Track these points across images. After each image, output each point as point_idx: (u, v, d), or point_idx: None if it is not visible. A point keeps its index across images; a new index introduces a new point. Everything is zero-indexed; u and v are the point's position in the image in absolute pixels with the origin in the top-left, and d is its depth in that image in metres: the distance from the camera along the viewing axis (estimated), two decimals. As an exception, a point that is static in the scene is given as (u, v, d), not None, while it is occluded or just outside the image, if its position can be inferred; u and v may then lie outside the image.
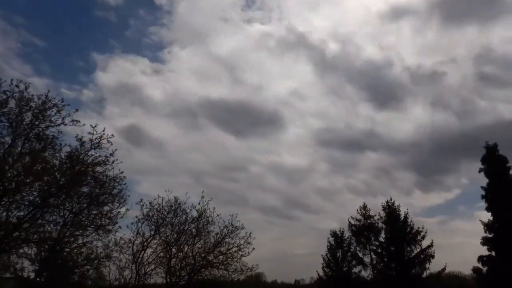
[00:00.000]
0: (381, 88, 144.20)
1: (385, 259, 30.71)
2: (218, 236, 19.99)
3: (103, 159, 14.80)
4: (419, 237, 30.21)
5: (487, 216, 26.35)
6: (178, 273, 19.71)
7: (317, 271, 33.27)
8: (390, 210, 31.77)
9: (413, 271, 29.54)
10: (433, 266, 29.76)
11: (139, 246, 19.16)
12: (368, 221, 33.17)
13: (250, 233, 19.68)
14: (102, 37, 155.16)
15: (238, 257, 19.67)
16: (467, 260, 75.32)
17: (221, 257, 19.91)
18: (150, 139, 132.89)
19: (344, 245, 33.03)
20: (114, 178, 15.48)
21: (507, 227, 24.87)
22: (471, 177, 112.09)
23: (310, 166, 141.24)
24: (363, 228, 32.90)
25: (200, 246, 20.14)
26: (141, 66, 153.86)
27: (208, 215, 20.05)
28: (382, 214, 32.34)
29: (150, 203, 19.36)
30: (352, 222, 33.52)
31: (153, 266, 19.41)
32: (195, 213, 20.04)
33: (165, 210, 19.63)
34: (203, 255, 19.95)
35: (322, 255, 33.15)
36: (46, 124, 13.92)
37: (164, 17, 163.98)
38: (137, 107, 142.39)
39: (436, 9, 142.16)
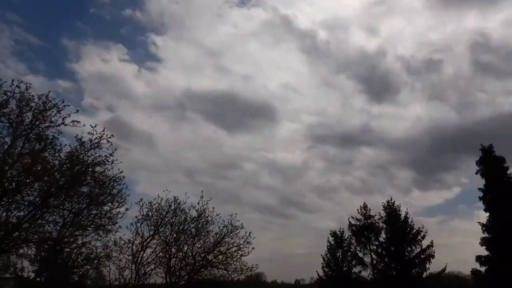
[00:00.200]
0: (375, 79, 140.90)
1: (385, 259, 30.75)
2: (217, 235, 19.98)
3: (103, 159, 14.83)
4: (419, 237, 30.27)
5: (486, 216, 26.43)
6: (177, 273, 19.70)
7: (317, 271, 33.42)
8: (391, 210, 31.82)
9: (413, 271, 29.59)
10: (433, 266, 29.92)
11: (139, 246, 19.19)
12: (369, 221, 33.22)
13: (250, 232, 19.70)
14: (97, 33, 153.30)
15: (238, 256, 19.67)
16: (467, 260, 75.25)
17: (220, 256, 19.89)
18: (137, 133, 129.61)
19: (344, 245, 33.06)
20: (113, 178, 15.50)
21: (505, 228, 24.88)
22: (470, 175, 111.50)
23: (305, 163, 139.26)
24: (363, 228, 32.94)
25: (199, 246, 20.15)
26: (119, 53, 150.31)
27: (207, 215, 20.09)
28: (383, 214, 32.43)
29: (150, 203, 19.44)
30: (352, 222, 33.64)
31: (152, 266, 19.43)
32: (194, 213, 20.09)
33: (164, 210, 19.66)
34: (202, 255, 19.93)
35: (322, 255, 33.27)
36: (46, 125, 13.96)
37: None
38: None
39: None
